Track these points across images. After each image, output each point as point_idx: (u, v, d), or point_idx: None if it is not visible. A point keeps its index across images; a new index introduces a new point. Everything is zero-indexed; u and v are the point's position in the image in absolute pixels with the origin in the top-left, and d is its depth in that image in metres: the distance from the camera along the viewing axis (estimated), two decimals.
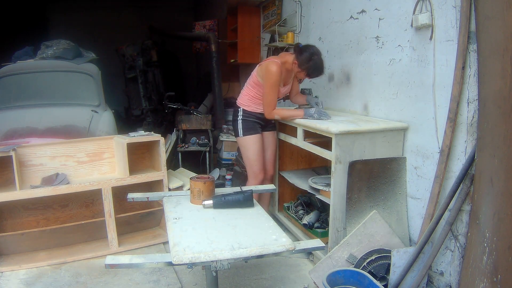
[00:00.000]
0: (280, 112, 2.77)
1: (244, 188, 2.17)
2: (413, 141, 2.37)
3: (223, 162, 4.58)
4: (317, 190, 2.65)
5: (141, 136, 2.93)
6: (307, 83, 3.57)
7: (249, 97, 2.86)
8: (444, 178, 2.09)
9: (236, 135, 2.93)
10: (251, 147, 2.85)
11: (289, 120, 2.77)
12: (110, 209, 2.73)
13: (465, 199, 1.94)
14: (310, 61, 2.64)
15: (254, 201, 2.06)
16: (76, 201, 2.93)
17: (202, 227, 1.70)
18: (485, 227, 1.69)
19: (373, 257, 2.19)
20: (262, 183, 2.92)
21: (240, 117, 2.87)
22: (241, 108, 2.88)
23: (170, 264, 1.49)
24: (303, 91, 3.10)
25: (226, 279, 2.43)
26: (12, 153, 2.48)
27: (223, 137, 4.63)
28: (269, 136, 3.00)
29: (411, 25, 2.29)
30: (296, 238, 2.87)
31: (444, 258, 2.14)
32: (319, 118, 2.60)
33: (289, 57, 2.76)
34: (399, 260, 2.11)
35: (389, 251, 2.17)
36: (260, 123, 2.90)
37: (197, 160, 4.37)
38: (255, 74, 2.83)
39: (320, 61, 2.68)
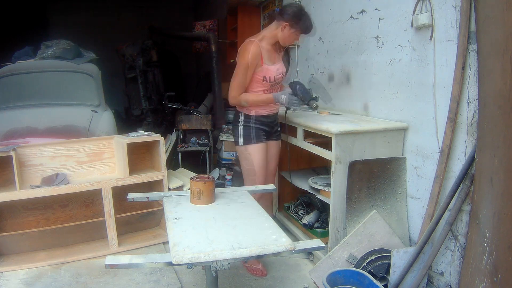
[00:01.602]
0: (248, 97, 2.42)
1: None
2: (413, 141, 2.37)
3: (223, 162, 4.58)
4: (317, 190, 2.65)
5: (141, 136, 2.93)
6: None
7: None
8: (444, 178, 2.09)
9: (236, 143, 2.57)
10: (252, 157, 2.51)
11: (258, 106, 2.49)
12: (110, 209, 2.73)
13: (465, 199, 1.94)
14: (302, 16, 2.37)
15: (254, 201, 2.06)
16: (76, 201, 2.93)
17: (202, 227, 1.70)
18: (485, 227, 1.69)
19: (373, 257, 2.19)
20: (260, 198, 2.57)
21: (241, 123, 2.52)
22: (242, 113, 2.52)
23: (170, 264, 1.49)
24: (293, 84, 2.55)
25: (226, 279, 2.43)
26: (12, 153, 2.48)
27: (223, 137, 4.62)
28: (273, 146, 2.68)
29: (411, 25, 2.29)
30: (296, 238, 2.87)
31: (444, 258, 2.14)
32: (288, 106, 2.44)
33: (268, 30, 2.47)
34: (399, 260, 2.11)
35: (389, 251, 2.17)
36: (265, 130, 2.55)
37: (197, 160, 4.37)
38: None
39: (308, 14, 2.43)
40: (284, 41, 2.46)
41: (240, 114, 2.54)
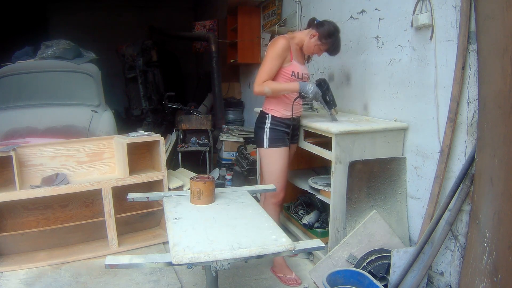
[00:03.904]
0: (271, 84, 2.33)
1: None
2: (413, 141, 2.37)
3: (223, 162, 4.58)
4: (317, 190, 2.65)
5: (141, 136, 2.93)
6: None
7: (275, 99, 2.45)
8: (444, 178, 2.09)
9: (260, 145, 2.50)
10: (276, 161, 2.46)
11: (280, 94, 2.42)
12: (110, 209, 2.73)
13: (465, 199, 1.94)
14: (333, 36, 2.39)
15: (254, 201, 2.06)
16: (76, 201, 2.93)
17: (202, 227, 1.70)
18: (485, 227, 1.70)
19: (373, 257, 2.19)
20: (281, 204, 2.61)
21: (267, 125, 2.45)
22: (270, 115, 2.46)
23: (170, 264, 1.49)
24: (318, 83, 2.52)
25: (226, 279, 2.43)
26: (12, 153, 2.48)
27: (223, 137, 4.62)
28: (292, 148, 2.64)
29: (411, 25, 2.29)
30: (296, 238, 2.87)
31: (444, 258, 2.14)
32: (312, 99, 2.43)
33: (298, 33, 2.49)
34: (399, 260, 2.11)
35: (389, 251, 2.17)
36: (288, 133, 2.50)
37: (197, 160, 4.37)
38: None
39: (340, 38, 2.45)
40: (306, 49, 2.47)
41: (267, 116, 2.47)
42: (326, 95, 2.48)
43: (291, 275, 2.49)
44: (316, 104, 2.68)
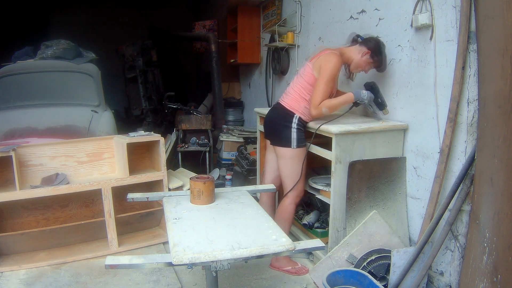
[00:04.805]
0: (328, 103, 2.34)
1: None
2: (413, 141, 2.37)
3: (223, 162, 4.58)
4: (317, 190, 2.65)
5: (141, 136, 2.93)
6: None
7: (306, 104, 2.44)
8: (444, 178, 2.09)
9: (286, 145, 2.46)
10: (302, 160, 2.47)
11: (337, 109, 2.48)
12: (110, 209, 2.73)
13: (465, 199, 1.94)
14: (383, 52, 2.41)
15: (254, 201, 2.06)
16: (76, 201, 2.93)
17: (202, 227, 1.70)
18: (485, 227, 1.70)
19: (373, 257, 2.19)
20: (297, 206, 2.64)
21: (294, 125, 2.44)
22: (297, 116, 2.44)
23: (170, 264, 1.49)
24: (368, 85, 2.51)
25: (226, 279, 2.43)
26: (12, 153, 2.48)
27: (223, 137, 4.62)
28: None
29: (411, 25, 2.29)
30: (296, 238, 2.87)
31: (444, 258, 2.14)
32: (367, 104, 2.46)
33: (347, 51, 2.47)
34: (399, 260, 2.11)
35: (389, 251, 2.17)
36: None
37: (197, 160, 4.37)
38: (311, 72, 2.41)
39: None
40: (357, 66, 2.48)
41: (294, 116, 2.45)
42: (378, 97, 2.47)
43: (298, 265, 2.57)
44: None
